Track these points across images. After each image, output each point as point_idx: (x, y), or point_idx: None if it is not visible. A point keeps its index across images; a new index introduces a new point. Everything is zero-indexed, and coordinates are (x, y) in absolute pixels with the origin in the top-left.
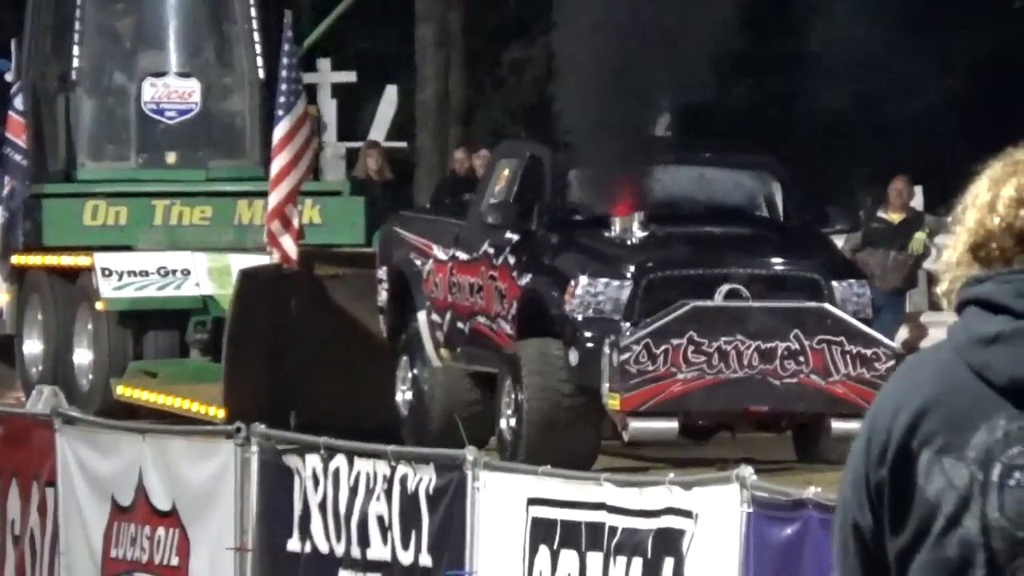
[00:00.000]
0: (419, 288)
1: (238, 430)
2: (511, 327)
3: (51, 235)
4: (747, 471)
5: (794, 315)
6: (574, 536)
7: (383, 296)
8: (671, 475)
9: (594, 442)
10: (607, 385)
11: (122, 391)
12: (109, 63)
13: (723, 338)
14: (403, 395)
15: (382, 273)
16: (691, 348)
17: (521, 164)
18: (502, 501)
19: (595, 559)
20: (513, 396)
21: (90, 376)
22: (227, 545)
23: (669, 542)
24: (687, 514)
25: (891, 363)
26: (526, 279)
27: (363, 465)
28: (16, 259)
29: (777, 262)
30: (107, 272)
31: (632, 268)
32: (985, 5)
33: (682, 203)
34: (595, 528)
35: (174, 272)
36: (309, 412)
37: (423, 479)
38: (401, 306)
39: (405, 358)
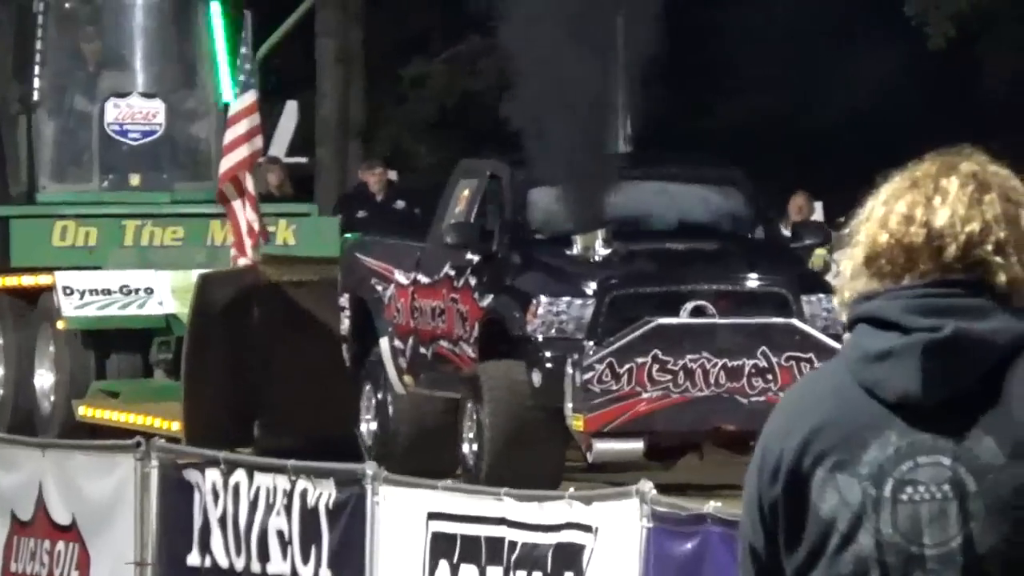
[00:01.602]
0: (380, 314)
1: (138, 444)
2: (473, 350)
3: (19, 256)
4: (647, 486)
5: (762, 332)
6: (474, 551)
7: (345, 324)
8: (571, 489)
9: (558, 463)
10: (570, 405)
11: (84, 411)
12: (71, 84)
13: (689, 356)
14: (367, 425)
15: (343, 300)
16: (656, 367)
17: (481, 184)
18: (402, 515)
19: (495, 574)
20: (475, 419)
21: (51, 398)
22: (127, 560)
23: (569, 557)
24: (587, 528)
25: None
26: (487, 300)
27: (263, 480)
28: None
29: (744, 278)
30: (68, 291)
31: (594, 286)
32: (887, 24)
33: (646, 219)
34: (495, 543)
35: (137, 291)
36: (273, 424)
37: (323, 494)
38: (363, 333)
39: (368, 386)
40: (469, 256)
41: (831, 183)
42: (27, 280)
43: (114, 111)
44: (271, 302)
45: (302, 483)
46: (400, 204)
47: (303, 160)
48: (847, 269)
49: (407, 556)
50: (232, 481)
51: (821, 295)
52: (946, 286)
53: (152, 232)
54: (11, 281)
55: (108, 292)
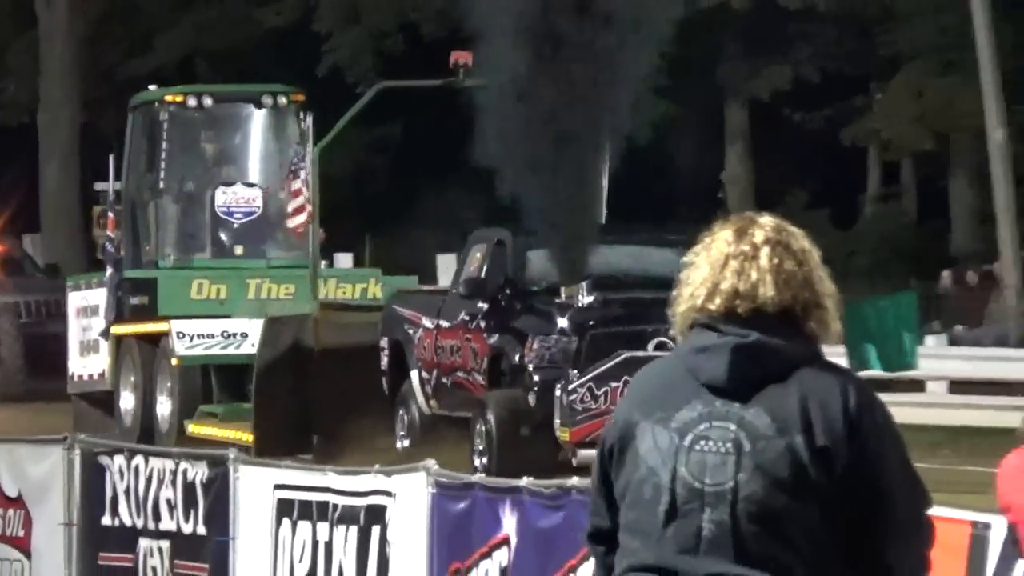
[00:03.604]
0: (411, 353)
1: (65, 438)
2: (483, 379)
3: (165, 307)
4: (431, 463)
5: None
6: (307, 511)
7: (384, 360)
8: (376, 466)
9: (550, 467)
10: (559, 421)
11: (192, 429)
12: (189, 176)
13: None
14: (401, 441)
15: (383, 342)
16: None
17: (490, 247)
18: (255, 487)
19: (323, 527)
20: (484, 432)
21: (168, 418)
22: (59, 521)
23: (376, 514)
24: (389, 494)
25: None
26: (494, 339)
27: (155, 462)
28: (114, 329)
29: None
30: (181, 335)
31: (577, 326)
32: None
33: (619, 274)
34: (323, 505)
35: (234, 335)
36: (327, 437)
37: (199, 472)
38: (398, 368)
39: (402, 409)
40: (480, 304)
41: None
42: (150, 327)
43: (222, 197)
44: (326, 340)
45: (183, 464)
46: None
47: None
48: (686, 292)
49: (259, 516)
50: (133, 464)
51: None
52: (763, 320)
53: (270, 288)
54: (139, 328)
55: (211, 336)
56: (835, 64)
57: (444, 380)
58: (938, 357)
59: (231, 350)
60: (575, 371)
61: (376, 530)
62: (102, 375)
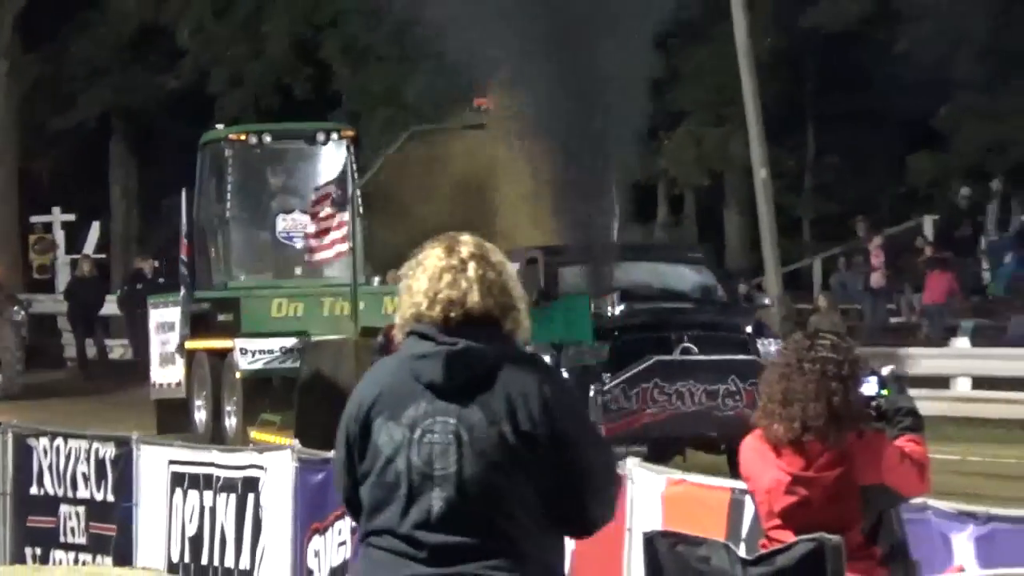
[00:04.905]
0: None
1: None
2: None
3: (248, 325)
4: (296, 443)
5: (731, 365)
6: (196, 481)
7: None
8: (251, 444)
9: None
10: (593, 419)
11: (254, 435)
12: (252, 205)
13: (679, 383)
14: None
15: None
16: (656, 390)
17: (522, 264)
18: (153, 462)
19: (208, 495)
20: None
21: (234, 425)
22: None
23: (251, 484)
24: (262, 467)
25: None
26: (529, 348)
27: (74, 443)
28: (188, 344)
29: (716, 326)
30: (244, 351)
31: (610, 332)
32: None
33: (645, 287)
34: (208, 477)
35: (292, 351)
36: None
37: (109, 450)
38: None
39: None
40: None
41: None
42: (218, 343)
43: (283, 223)
44: (361, 359)
45: (96, 444)
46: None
47: (103, 256)
48: (407, 301)
49: (157, 486)
50: (55, 444)
51: (769, 339)
52: (469, 324)
53: (342, 306)
54: (209, 344)
55: (271, 352)
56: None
57: None
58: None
59: (288, 364)
60: (608, 374)
61: (251, 497)
62: (179, 384)
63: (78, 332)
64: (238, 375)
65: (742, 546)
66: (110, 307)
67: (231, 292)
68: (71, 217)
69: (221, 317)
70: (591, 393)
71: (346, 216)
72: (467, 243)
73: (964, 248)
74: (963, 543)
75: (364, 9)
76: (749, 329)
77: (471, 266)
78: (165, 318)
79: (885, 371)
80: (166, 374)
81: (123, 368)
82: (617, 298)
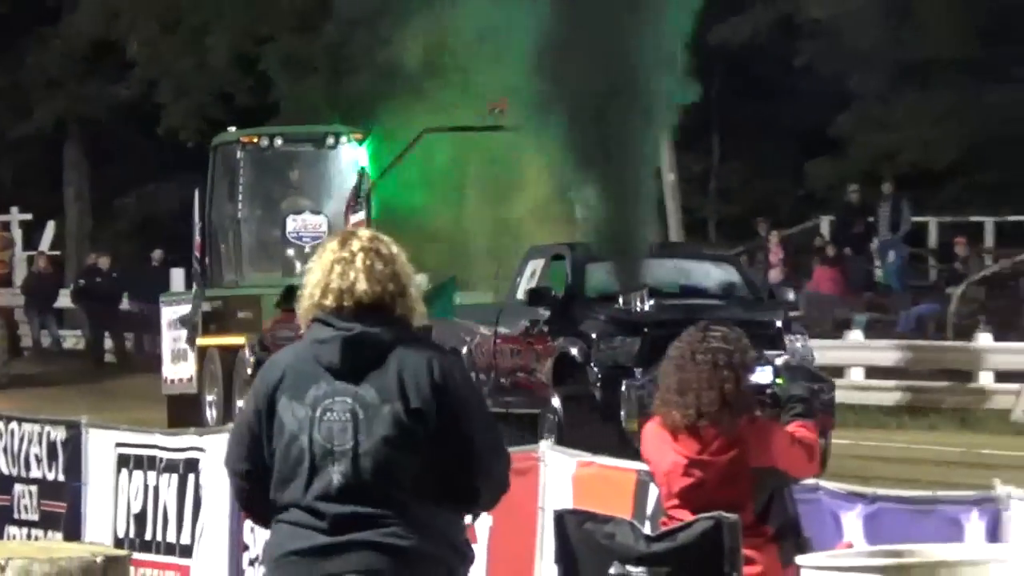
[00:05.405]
0: (467, 358)
1: None
2: (547, 378)
3: (267, 317)
4: (231, 426)
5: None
6: (141, 462)
7: None
8: (192, 429)
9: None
10: (625, 412)
11: None
12: (263, 205)
13: None
14: None
15: None
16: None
17: (547, 261)
18: (101, 444)
19: (152, 475)
20: (553, 424)
21: None
22: None
23: (192, 465)
24: (202, 449)
25: (832, 394)
26: (559, 342)
27: (27, 427)
28: (199, 340)
29: (748, 322)
30: (252, 348)
31: (640, 328)
32: None
33: (672, 284)
34: (152, 458)
35: None
36: None
37: (59, 434)
38: None
39: None
40: (541, 311)
41: None
42: (228, 339)
43: (292, 224)
44: None
45: (47, 428)
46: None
47: (57, 252)
48: (305, 300)
49: (104, 466)
50: (9, 427)
51: (797, 335)
52: (363, 310)
53: None
54: (220, 340)
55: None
56: None
57: (503, 381)
58: None
59: None
60: (639, 369)
61: (192, 477)
62: (190, 379)
63: (34, 324)
64: (248, 371)
65: (647, 524)
66: (64, 300)
67: (250, 289)
68: (28, 216)
69: (241, 314)
70: (623, 388)
71: (361, 216)
72: (361, 237)
73: (858, 246)
74: (852, 521)
75: (301, 27)
76: (779, 324)
77: (359, 257)
78: (177, 315)
79: (779, 361)
80: (178, 370)
81: (76, 357)
82: (646, 293)
